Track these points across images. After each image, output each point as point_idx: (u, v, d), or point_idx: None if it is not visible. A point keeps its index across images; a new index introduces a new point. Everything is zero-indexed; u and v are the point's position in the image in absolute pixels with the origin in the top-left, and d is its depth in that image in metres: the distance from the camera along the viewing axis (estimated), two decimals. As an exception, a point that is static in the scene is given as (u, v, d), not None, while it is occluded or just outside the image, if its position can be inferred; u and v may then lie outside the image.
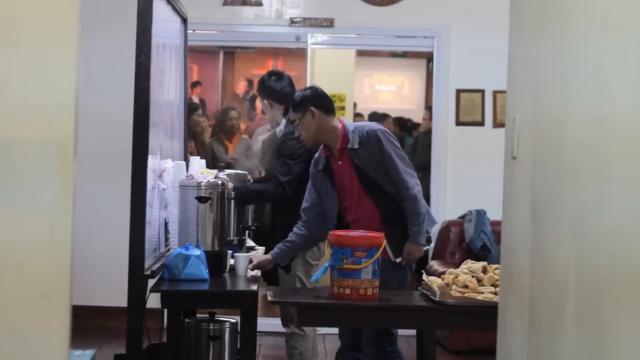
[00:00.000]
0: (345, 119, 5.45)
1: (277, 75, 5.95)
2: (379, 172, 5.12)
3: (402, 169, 5.13)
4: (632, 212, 2.19)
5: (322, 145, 5.25)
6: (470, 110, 8.13)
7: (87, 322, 7.26)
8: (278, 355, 7.28)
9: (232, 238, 5.16)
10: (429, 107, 10.64)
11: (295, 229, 5.27)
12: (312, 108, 5.24)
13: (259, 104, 9.15)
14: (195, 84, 10.32)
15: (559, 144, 2.79)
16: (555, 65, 2.88)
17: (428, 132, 9.34)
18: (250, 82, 10.80)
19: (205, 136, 8.81)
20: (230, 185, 5.12)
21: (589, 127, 2.52)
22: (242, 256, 5.01)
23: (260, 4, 8.01)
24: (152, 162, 4.69)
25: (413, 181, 5.14)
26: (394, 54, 13.15)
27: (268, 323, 7.35)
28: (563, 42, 2.82)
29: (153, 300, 4.65)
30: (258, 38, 8.42)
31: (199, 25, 7.73)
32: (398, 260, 5.03)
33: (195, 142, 8.36)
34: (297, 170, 5.62)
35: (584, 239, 2.51)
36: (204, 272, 4.67)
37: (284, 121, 5.84)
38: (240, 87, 11.23)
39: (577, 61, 2.66)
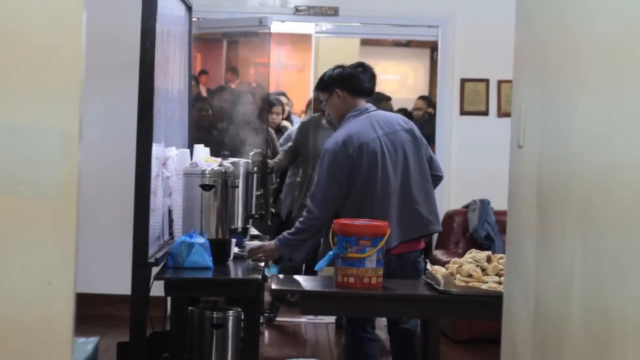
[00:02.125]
0: (371, 107, 5.33)
1: (362, 67, 5.57)
2: None
3: (312, 190, 5.18)
4: (640, 201, 2.18)
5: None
6: (475, 99, 8.12)
7: (90, 310, 7.26)
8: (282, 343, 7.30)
9: (236, 226, 5.15)
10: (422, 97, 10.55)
11: None
12: (337, 90, 5.26)
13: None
14: (201, 73, 10.30)
15: (566, 133, 2.78)
16: (563, 52, 2.87)
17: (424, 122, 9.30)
18: (235, 70, 10.77)
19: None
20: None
21: (596, 115, 2.51)
22: (252, 244, 5.03)
23: (265, -8, 8.00)
24: (156, 149, 4.69)
25: (311, 205, 5.07)
26: (398, 43, 13.15)
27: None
28: (570, 28, 2.81)
29: (156, 288, 4.64)
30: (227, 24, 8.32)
31: (203, 13, 7.72)
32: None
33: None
34: None
35: (591, 227, 2.50)
36: (207, 260, 4.67)
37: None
38: (227, 76, 11.17)
39: (585, 48, 2.65)
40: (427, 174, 5.26)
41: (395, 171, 5.14)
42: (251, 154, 6.19)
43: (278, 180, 8.63)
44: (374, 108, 5.35)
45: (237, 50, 10.46)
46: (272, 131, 8.65)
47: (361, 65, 5.42)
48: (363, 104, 5.30)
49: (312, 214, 5.05)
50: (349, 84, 5.28)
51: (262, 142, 7.40)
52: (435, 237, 7.81)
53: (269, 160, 7.96)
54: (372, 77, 5.37)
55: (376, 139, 5.12)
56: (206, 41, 9.50)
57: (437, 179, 5.39)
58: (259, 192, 6.10)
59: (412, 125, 5.34)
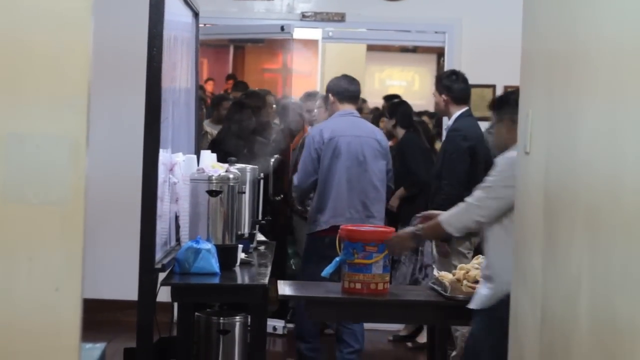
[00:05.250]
0: (356, 113, 6.45)
1: (455, 75, 6.53)
2: None
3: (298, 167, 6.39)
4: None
5: None
6: (482, 105, 8.10)
7: (97, 316, 7.26)
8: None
9: (243, 232, 5.15)
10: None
11: None
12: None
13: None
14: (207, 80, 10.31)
15: (573, 139, 2.78)
16: (570, 58, 2.87)
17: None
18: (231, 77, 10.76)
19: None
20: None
21: (603, 121, 2.51)
22: None
23: (271, -2, 8.01)
24: (163, 155, 4.69)
25: (295, 178, 6.39)
26: (404, 49, 13.14)
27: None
28: (577, 35, 2.81)
29: (163, 294, 4.64)
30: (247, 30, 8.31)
31: (211, 19, 7.73)
32: None
33: None
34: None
35: (598, 234, 2.50)
36: (214, 265, 4.66)
37: (453, 117, 6.39)
38: (208, 85, 11.18)
39: (592, 54, 2.65)
40: (383, 180, 6.31)
41: (356, 165, 6.15)
42: (272, 160, 6.26)
43: None
44: (357, 114, 6.46)
45: (249, 57, 10.47)
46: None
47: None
48: (348, 108, 6.35)
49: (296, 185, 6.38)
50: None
51: (284, 147, 7.31)
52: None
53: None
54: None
55: (347, 137, 6.19)
56: (219, 47, 9.53)
57: (387, 188, 6.44)
58: (278, 198, 6.30)
59: (385, 140, 6.46)
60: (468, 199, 4.36)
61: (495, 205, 4.22)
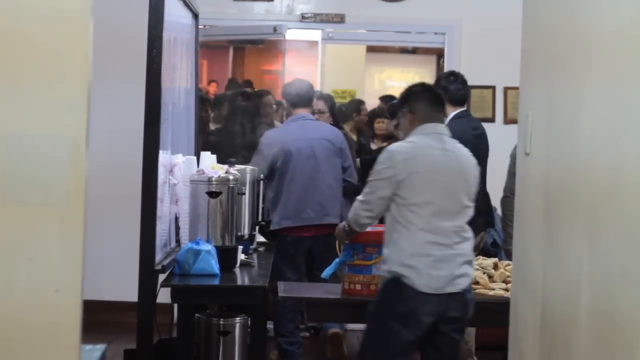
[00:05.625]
0: (308, 116, 6.50)
1: (454, 76, 6.44)
2: None
3: None
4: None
5: None
6: (481, 106, 8.10)
7: (97, 317, 7.25)
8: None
9: (243, 233, 5.15)
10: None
11: None
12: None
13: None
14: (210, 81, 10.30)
15: (573, 140, 2.78)
16: (569, 59, 2.87)
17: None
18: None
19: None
20: None
21: (603, 122, 2.51)
22: None
23: (271, -1, 8.00)
24: (163, 157, 4.69)
25: None
26: (404, 50, 13.12)
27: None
28: (577, 35, 2.81)
29: (163, 295, 4.64)
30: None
31: (210, 21, 7.72)
32: None
33: None
34: None
35: (598, 233, 2.50)
36: (214, 267, 4.67)
37: (448, 118, 6.15)
38: (212, 87, 11.17)
39: (591, 55, 2.65)
40: (338, 178, 6.41)
41: (308, 168, 6.25)
42: None
43: None
44: (310, 117, 6.52)
45: (249, 58, 10.42)
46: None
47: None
48: (301, 112, 6.43)
49: None
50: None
51: None
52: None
53: None
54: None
55: (297, 141, 6.28)
56: (218, 48, 9.48)
57: (348, 183, 6.50)
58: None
59: (338, 138, 6.46)
60: (358, 196, 4.55)
61: (376, 199, 4.40)
